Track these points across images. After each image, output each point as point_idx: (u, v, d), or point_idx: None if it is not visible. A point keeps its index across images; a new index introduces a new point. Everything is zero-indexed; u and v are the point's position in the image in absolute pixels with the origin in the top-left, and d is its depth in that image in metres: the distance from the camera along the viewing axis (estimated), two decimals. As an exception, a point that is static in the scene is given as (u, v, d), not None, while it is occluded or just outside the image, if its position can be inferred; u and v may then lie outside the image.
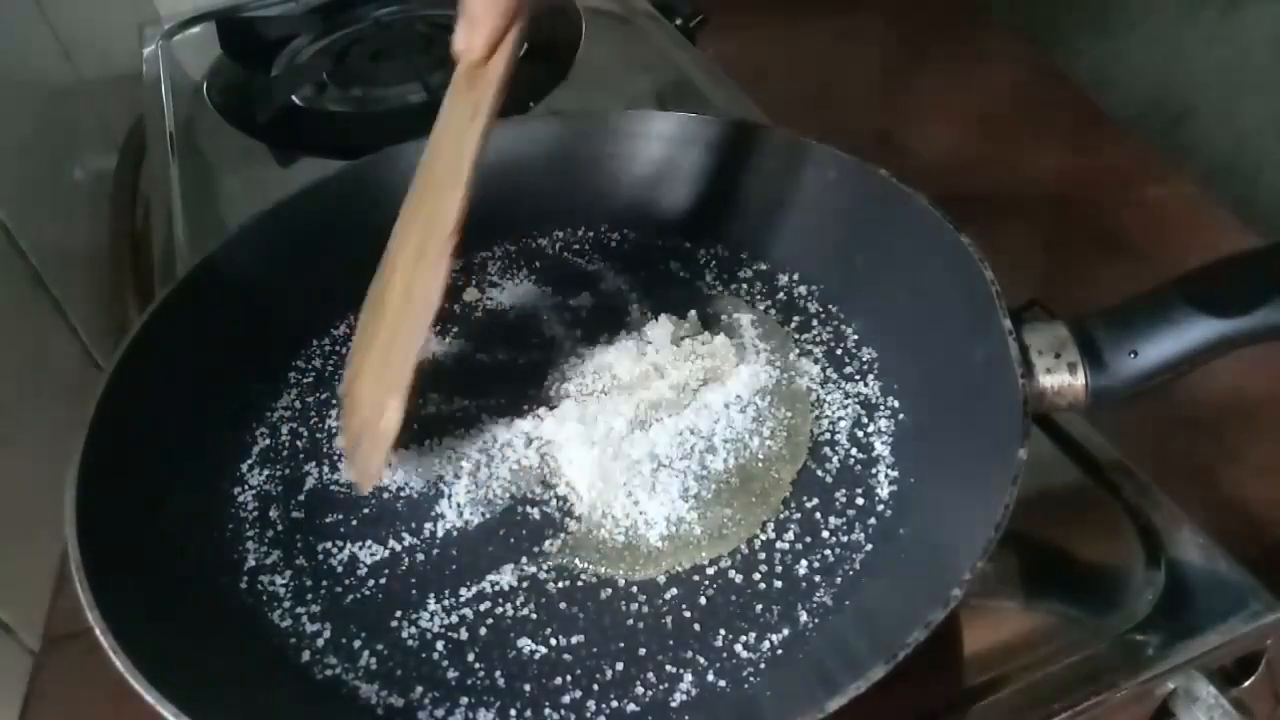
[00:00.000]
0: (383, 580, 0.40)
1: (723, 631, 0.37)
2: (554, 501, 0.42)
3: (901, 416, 0.44)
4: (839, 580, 0.38)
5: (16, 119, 0.62)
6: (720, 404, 0.45)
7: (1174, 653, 0.38)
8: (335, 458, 0.45)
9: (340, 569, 0.41)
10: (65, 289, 0.58)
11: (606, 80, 0.72)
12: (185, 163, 0.67)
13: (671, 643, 0.37)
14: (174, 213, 0.62)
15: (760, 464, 0.43)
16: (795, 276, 0.51)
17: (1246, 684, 0.40)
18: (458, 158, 0.39)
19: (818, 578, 0.39)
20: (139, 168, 0.71)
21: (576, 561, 0.40)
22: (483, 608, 0.39)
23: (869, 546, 0.39)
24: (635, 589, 0.39)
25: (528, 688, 0.36)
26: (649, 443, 0.43)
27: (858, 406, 0.45)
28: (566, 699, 0.36)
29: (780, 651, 0.36)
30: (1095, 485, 0.44)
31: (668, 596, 0.38)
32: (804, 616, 0.37)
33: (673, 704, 0.35)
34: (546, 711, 0.35)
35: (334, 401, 0.47)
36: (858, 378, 0.46)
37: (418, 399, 0.43)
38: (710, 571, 0.39)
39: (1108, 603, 0.40)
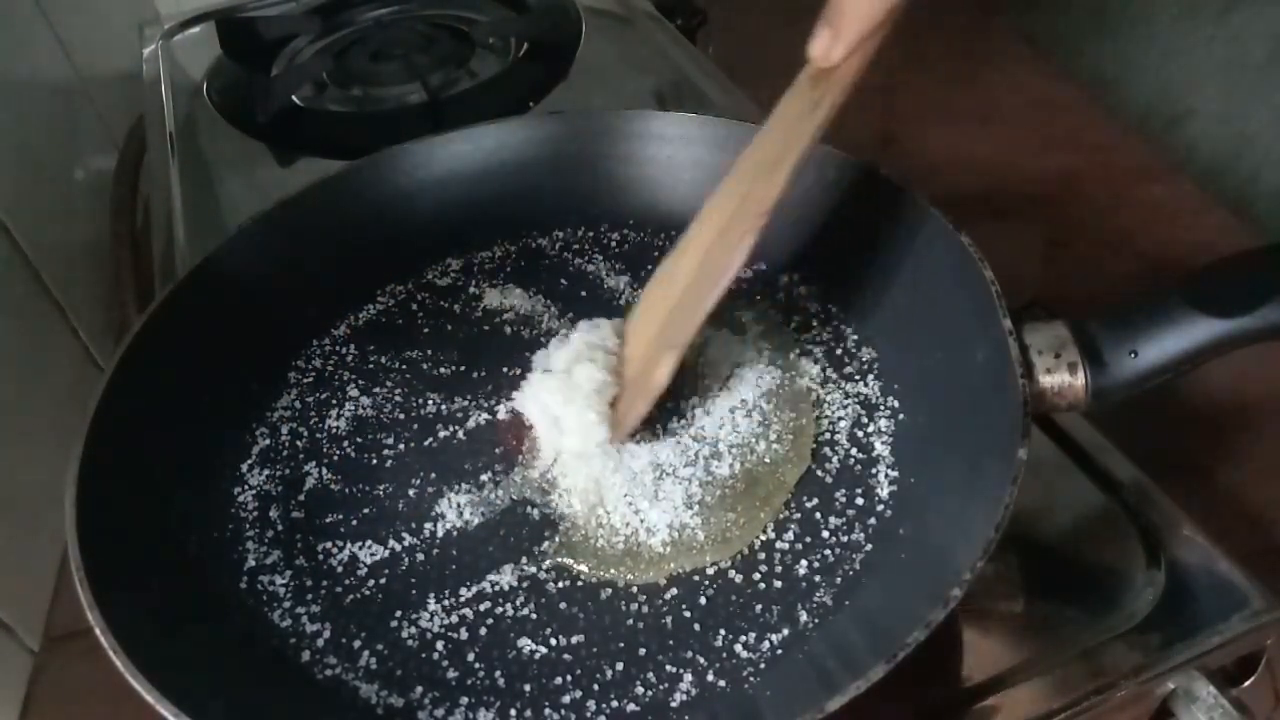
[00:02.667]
0: (383, 580, 0.40)
1: (723, 631, 0.37)
2: (554, 505, 0.42)
3: (901, 416, 0.44)
4: (839, 580, 0.38)
5: (16, 119, 0.61)
6: (725, 409, 0.45)
7: (1174, 653, 0.38)
8: (335, 458, 0.45)
9: (340, 569, 0.41)
10: (65, 289, 0.58)
11: (606, 80, 0.72)
12: (185, 163, 0.67)
13: (671, 643, 0.37)
14: (174, 213, 0.62)
15: (766, 467, 0.42)
16: (795, 277, 0.51)
17: (1246, 684, 0.40)
18: (784, 147, 0.39)
19: (818, 578, 0.39)
20: (139, 168, 0.71)
21: (576, 566, 0.40)
22: (483, 608, 0.39)
23: (869, 546, 0.39)
24: (635, 589, 0.39)
25: (528, 688, 0.36)
26: (651, 452, 0.43)
27: (858, 407, 0.45)
28: (566, 699, 0.36)
29: (780, 651, 0.36)
30: (1095, 485, 0.44)
31: (668, 597, 0.38)
32: (804, 616, 0.37)
33: (673, 704, 0.35)
34: (546, 711, 0.35)
35: (334, 401, 0.47)
36: (858, 378, 0.46)
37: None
38: (710, 572, 0.39)
39: (1108, 603, 0.40)
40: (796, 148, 0.39)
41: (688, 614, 0.38)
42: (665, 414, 0.45)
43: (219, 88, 0.74)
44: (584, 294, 0.52)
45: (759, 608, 0.38)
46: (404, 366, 0.49)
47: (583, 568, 0.40)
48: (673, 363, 0.41)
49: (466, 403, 0.47)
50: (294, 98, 0.70)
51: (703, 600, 0.38)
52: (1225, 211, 0.65)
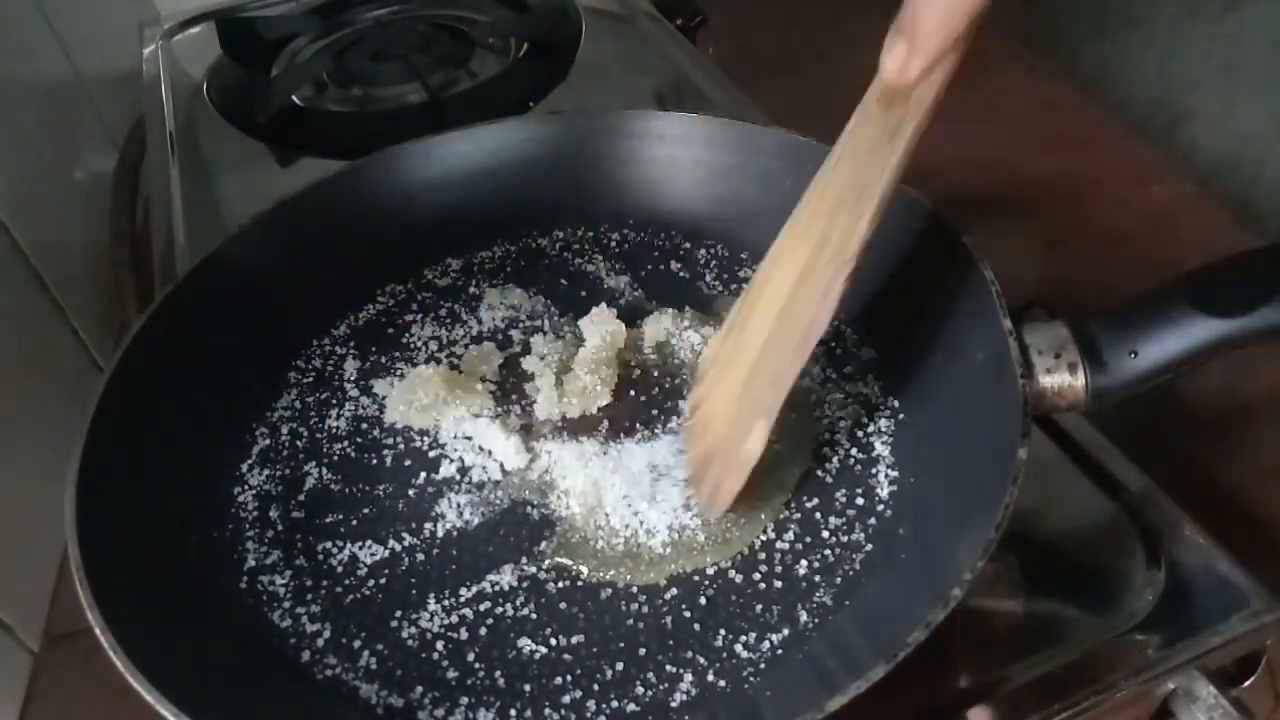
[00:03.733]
0: (383, 580, 0.40)
1: (723, 631, 0.37)
2: (552, 506, 0.42)
3: (901, 416, 0.44)
4: (839, 580, 0.38)
5: (16, 119, 0.61)
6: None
7: (1174, 653, 0.38)
8: (335, 458, 0.45)
9: (340, 569, 0.41)
10: (65, 289, 0.58)
11: (606, 80, 0.72)
12: (185, 163, 0.67)
13: (671, 643, 0.37)
14: (174, 213, 0.62)
15: (766, 468, 0.42)
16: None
17: (1246, 684, 0.40)
18: (865, 180, 0.35)
19: (818, 578, 0.39)
20: (139, 168, 0.71)
21: (576, 566, 0.40)
22: (483, 608, 0.39)
23: (869, 546, 0.39)
24: (635, 589, 0.39)
25: (528, 688, 0.36)
26: (649, 453, 0.43)
27: (858, 407, 0.45)
28: (566, 699, 0.36)
29: (780, 651, 0.36)
30: (1095, 485, 0.44)
31: (668, 597, 0.38)
32: (804, 616, 0.37)
33: (673, 704, 0.35)
34: (546, 711, 0.35)
35: (334, 401, 0.47)
36: (858, 378, 0.46)
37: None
38: (710, 572, 0.39)
39: (1108, 603, 0.40)
40: (880, 183, 0.35)
41: (688, 614, 0.38)
42: (664, 414, 0.45)
43: (219, 88, 0.74)
44: (584, 294, 0.52)
45: (759, 608, 0.38)
46: (404, 366, 0.49)
47: (583, 569, 0.40)
48: (765, 431, 0.37)
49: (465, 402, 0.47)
50: (294, 98, 0.70)
51: (703, 600, 0.38)
52: (1225, 211, 0.65)
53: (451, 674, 0.37)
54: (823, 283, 0.36)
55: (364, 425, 0.46)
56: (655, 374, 0.47)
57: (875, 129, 0.36)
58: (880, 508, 0.41)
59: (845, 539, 0.40)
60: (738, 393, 0.39)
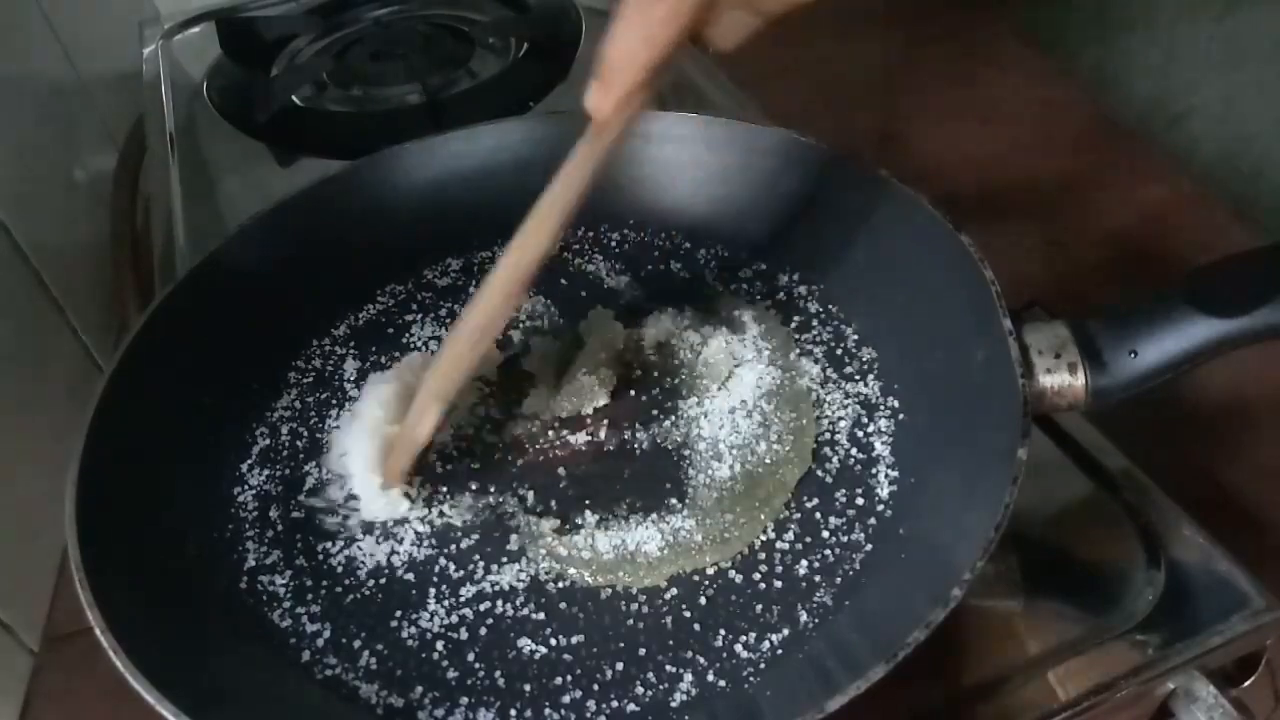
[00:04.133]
0: (383, 580, 0.40)
1: (723, 631, 0.37)
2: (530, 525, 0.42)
3: (901, 416, 0.44)
4: (839, 580, 0.38)
5: (16, 119, 0.61)
6: (725, 409, 0.45)
7: (1174, 653, 0.38)
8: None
9: (340, 569, 0.41)
10: (65, 289, 0.58)
11: (606, 80, 0.72)
12: (185, 163, 0.67)
13: (671, 643, 0.37)
14: (174, 213, 0.62)
15: (765, 468, 0.42)
16: (795, 276, 0.51)
17: (1246, 684, 0.40)
18: (553, 201, 0.40)
19: (818, 578, 0.39)
20: (139, 168, 0.71)
21: (571, 573, 0.40)
22: (483, 608, 0.39)
23: (869, 546, 0.39)
24: (635, 590, 0.39)
25: (528, 688, 0.36)
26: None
27: (858, 406, 0.45)
28: (567, 699, 0.36)
29: (780, 651, 0.36)
30: (1096, 486, 0.44)
31: (667, 597, 0.38)
32: (804, 616, 0.37)
33: (673, 704, 0.35)
34: (547, 711, 0.35)
35: (334, 401, 0.47)
36: (858, 378, 0.46)
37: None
38: (710, 572, 0.39)
39: (1108, 603, 0.40)
40: (563, 200, 0.40)
41: (688, 614, 0.38)
42: (664, 413, 0.45)
43: (219, 88, 0.74)
44: (584, 294, 0.52)
45: (759, 608, 0.38)
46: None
47: (584, 576, 0.39)
48: (435, 416, 0.40)
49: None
50: (294, 98, 0.70)
51: (703, 600, 0.38)
52: (1225, 211, 0.65)
53: (452, 674, 0.37)
54: (501, 295, 0.40)
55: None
56: (655, 374, 0.47)
57: (580, 156, 0.40)
58: (880, 508, 0.41)
59: (845, 539, 0.40)
60: (428, 382, 0.42)
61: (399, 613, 0.39)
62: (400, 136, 0.54)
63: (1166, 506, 0.43)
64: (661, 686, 0.36)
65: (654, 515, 0.41)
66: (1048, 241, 0.63)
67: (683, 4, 0.35)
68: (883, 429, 0.43)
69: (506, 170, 0.54)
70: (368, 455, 0.42)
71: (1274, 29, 0.69)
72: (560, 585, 0.39)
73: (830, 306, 0.49)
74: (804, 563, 0.39)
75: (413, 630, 0.38)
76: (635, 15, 0.36)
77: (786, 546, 0.40)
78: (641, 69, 0.37)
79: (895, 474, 0.42)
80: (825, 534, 0.40)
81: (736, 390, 0.45)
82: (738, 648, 0.37)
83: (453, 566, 0.40)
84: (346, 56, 0.74)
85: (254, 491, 0.44)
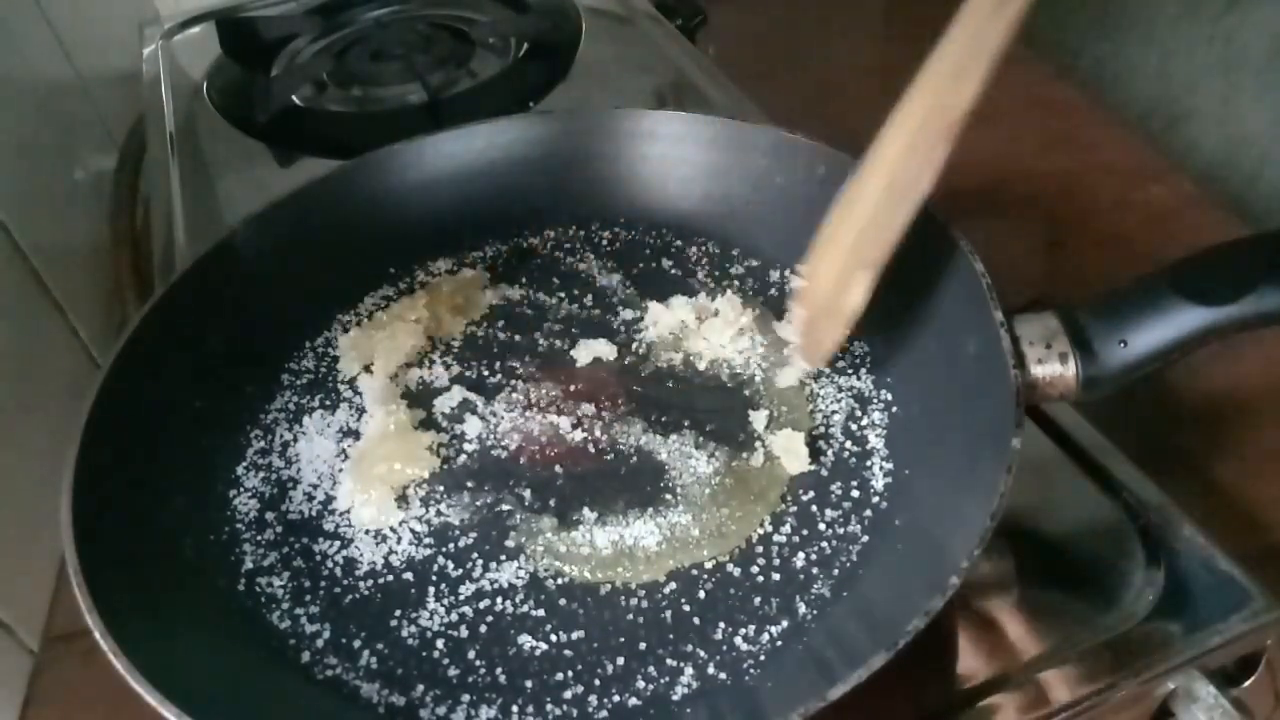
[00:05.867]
0: (381, 580, 0.40)
1: (722, 625, 0.37)
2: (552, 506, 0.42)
3: (895, 409, 0.44)
4: (836, 572, 0.38)
5: (16, 119, 0.61)
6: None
7: (1174, 653, 0.38)
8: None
9: (338, 569, 0.41)
10: (65, 289, 0.58)
11: (606, 80, 0.72)
12: (185, 163, 0.67)
13: (671, 637, 0.37)
14: (174, 213, 0.62)
15: (759, 461, 0.43)
16: (787, 272, 0.51)
17: (1246, 684, 0.40)
18: (973, 50, 0.38)
19: (815, 570, 0.39)
20: (139, 168, 0.71)
21: (570, 570, 0.40)
22: (482, 605, 0.39)
23: (865, 538, 0.39)
24: (634, 585, 0.39)
25: (529, 684, 0.36)
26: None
27: (851, 400, 0.45)
28: (568, 694, 0.36)
29: (780, 643, 0.36)
30: (1096, 486, 0.44)
31: (667, 591, 0.38)
32: (802, 608, 0.37)
33: (674, 697, 0.35)
34: (548, 707, 0.35)
35: (327, 403, 0.47)
36: (850, 371, 0.46)
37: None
38: (708, 566, 0.39)
39: (1107, 602, 0.40)
40: (985, 51, 0.37)
41: (687, 608, 0.38)
42: (659, 412, 0.45)
43: (219, 88, 0.74)
44: (575, 291, 0.52)
45: (758, 600, 0.38)
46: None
47: (583, 573, 0.40)
48: (868, 283, 0.39)
49: (461, 399, 0.47)
50: (294, 98, 0.70)
51: (702, 594, 0.38)
52: (1225, 211, 0.65)
53: (452, 672, 0.37)
54: (926, 148, 0.38)
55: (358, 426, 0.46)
56: (652, 373, 0.47)
57: (985, 5, 0.38)
58: (876, 499, 0.41)
59: (842, 531, 0.40)
60: (844, 256, 0.41)
61: (398, 612, 0.39)
62: (400, 136, 0.54)
63: (1166, 506, 0.43)
64: (662, 680, 0.36)
65: (651, 511, 0.41)
66: (1048, 242, 0.63)
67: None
68: (877, 422, 0.44)
69: (497, 170, 0.54)
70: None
71: (1274, 29, 0.69)
72: (559, 582, 0.39)
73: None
74: (801, 555, 0.39)
75: (413, 629, 0.38)
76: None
77: (784, 539, 0.40)
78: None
79: (890, 466, 0.42)
80: (822, 526, 0.40)
81: (730, 384, 0.45)
82: (737, 640, 0.37)
83: (451, 565, 0.40)
84: (346, 56, 0.74)
85: (250, 493, 0.44)
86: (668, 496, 0.42)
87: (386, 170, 0.54)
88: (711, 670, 0.36)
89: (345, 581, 0.40)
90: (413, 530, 0.42)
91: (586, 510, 0.41)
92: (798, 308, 0.43)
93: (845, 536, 0.40)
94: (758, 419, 0.44)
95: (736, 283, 0.51)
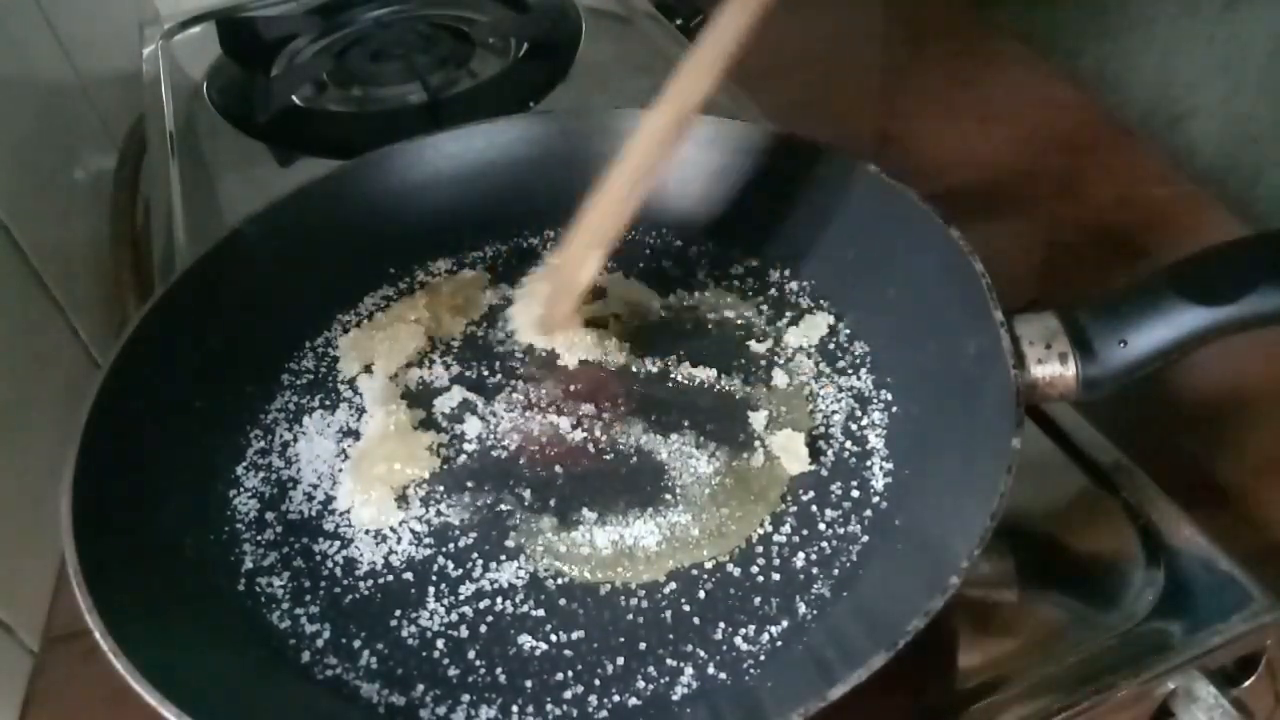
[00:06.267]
0: (381, 580, 0.40)
1: (722, 625, 0.37)
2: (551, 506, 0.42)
3: (895, 409, 0.44)
4: (836, 572, 0.38)
5: (16, 119, 0.61)
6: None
7: (1174, 653, 0.38)
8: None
9: (338, 569, 0.41)
10: (65, 289, 0.58)
11: (606, 80, 0.72)
12: (185, 163, 0.67)
13: (671, 637, 0.37)
14: (174, 213, 0.62)
15: (759, 461, 0.43)
16: (787, 272, 0.51)
17: (1246, 684, 0.40)
18: (713, 52, 0.43)
19: (815, 570, 0.39)
20: (139, 168, 0.71)
21: (570, 570, 0.40)
22: (482, 605, 0.39)
23: (865, 538, 0.39)
24: (634, 585, 0.39)
25: (529, 684, 0.36)
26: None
27: (851, 400, 0.45)
28: (568, 694, 0.36)
29: (780, 643, 0.36)
30: (1096, 486, 0.44)
31: (667, 591, 0.38)
32: (802, 608, 0.37)
33: (674, 697, 0.35)
34: (548, 707, 0.35)
35: (327, 403, 0.47)
36: (851, 371, 0.46)
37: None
38: (708, 566, 0.39)
39: (1107, 602, 0.40)
40: (721, 51, 0.42)
41: (687, 608, 0.38)
42: (659, 412, 0.45)
43: (219, 88, 0.74)
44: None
45: (758, 600, 0.38)
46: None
47: (583, 573, 0.40)
48: (598, 262, 0.43)
49: (460, 400, 0.47)
50: (294, 98, 0.70)
51: (701, 594, 0.38)
52: (1225, 211, 0.65)
53: (453, 672, 0.37)
54: (665, 142, 0.42)
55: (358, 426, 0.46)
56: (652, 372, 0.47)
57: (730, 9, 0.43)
58: (876, 499, 0.41)
59: (842, 531, 0.40)
60: (585, 236, 0.45)
61: (398, 612, 0.39)
62: (400, 137, 0.54)
63: (1166, 506, 0.43)
64: (662, 680, 0.36)
65: (651, 511, 0.41)
66: (1048, 241, 0.63)
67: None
68: (876, 422, 0.44)
69: (496, 170, 0.54)
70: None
71: (1274, 29, 0.69)
72: (559, 582, 0.39)
73: (822, 301, 0.49)
74: (801, 555, 0.39)
75: (413, 629, 0.38)
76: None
77: (784, 539, 0.40)
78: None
79: (890, 466, 0.42)
80: (822, 526, 0.40)
81: (730, 385, 0.45)
82: (737, 640, 0.37)
83: (451, 565, 0.40)
84: (346, 56, 0.74)
85: (250, 493, 0.44)
86: (668, 496, 0.42)
87: (386, 170, 0.54)
88: (711, 670, 0.36)
89: (345, 581, 0.40)
90: (413, 530, 0.42)
91: (586, 510, 0.41)
92: (543, 282, 0.47)
93: (845, 536, 0.40)
94: (757, 419, 0.44)
95: (736, 283, 0.51)
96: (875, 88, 0.79)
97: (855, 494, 0.41)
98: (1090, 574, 0.42)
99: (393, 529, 0.42)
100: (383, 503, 0.42)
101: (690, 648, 0.37)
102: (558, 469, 0.43)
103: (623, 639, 0.37)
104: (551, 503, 0.42)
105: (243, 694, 0.36)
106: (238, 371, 0.47)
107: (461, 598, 0.39)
